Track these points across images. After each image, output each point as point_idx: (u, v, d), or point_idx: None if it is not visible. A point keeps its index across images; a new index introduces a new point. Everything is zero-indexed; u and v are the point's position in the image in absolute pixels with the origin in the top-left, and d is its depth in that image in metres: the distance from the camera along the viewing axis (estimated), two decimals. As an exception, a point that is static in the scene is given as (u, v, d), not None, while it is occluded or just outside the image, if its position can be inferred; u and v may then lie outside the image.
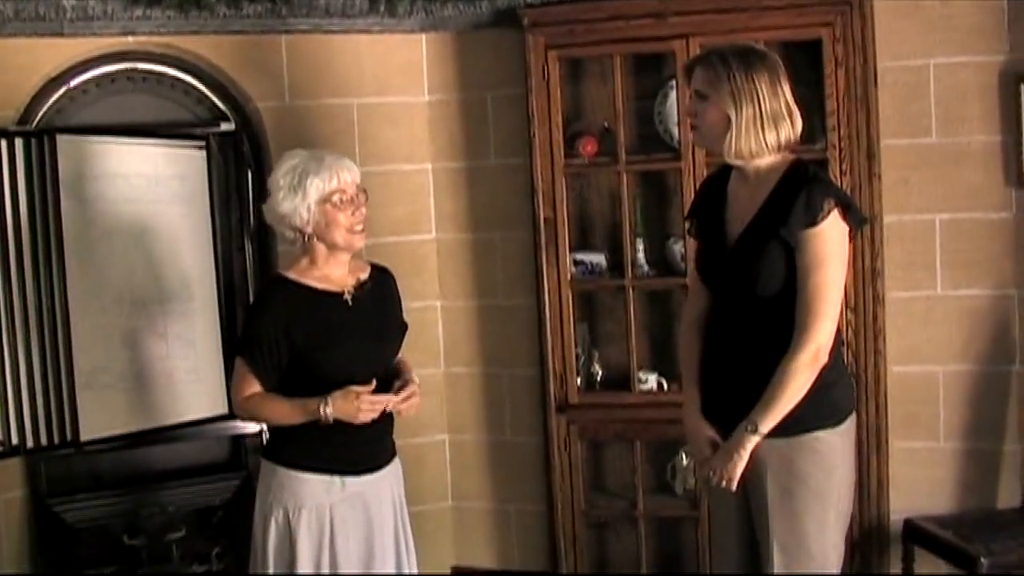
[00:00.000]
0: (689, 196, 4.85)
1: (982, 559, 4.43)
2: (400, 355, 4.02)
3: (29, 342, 4.63)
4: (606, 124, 5.18)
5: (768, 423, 3.40)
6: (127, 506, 4.99)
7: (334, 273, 3.84)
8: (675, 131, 4.99)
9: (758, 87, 3.41)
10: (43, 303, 4.64)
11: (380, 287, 3.97)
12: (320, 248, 3.80)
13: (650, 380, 5.15)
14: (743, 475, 3.49)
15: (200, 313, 5.02)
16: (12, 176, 4.58)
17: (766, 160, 3.49)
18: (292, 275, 3.82)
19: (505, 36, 5.25)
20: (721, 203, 3.62)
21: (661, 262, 5.22)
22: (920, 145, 4.96)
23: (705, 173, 4.84)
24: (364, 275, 3.92)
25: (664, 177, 5.22)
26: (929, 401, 5.02)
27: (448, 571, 5.70)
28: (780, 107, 3.45)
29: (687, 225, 3.92)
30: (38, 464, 4.93)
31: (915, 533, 4.78)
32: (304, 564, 3.75)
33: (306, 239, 3.78)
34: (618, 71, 4.99)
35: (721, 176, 3.69)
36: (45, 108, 4.95)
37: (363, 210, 3.81)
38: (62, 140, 4.65)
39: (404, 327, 4.02)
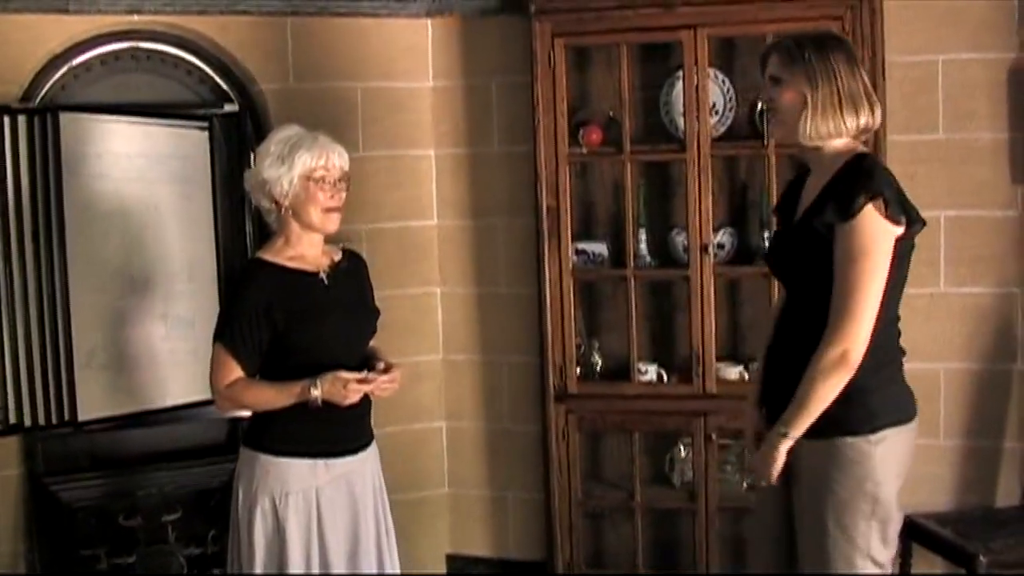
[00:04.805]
0: (693, 187, 4.89)
1: (980, 557, 4.42)
2: (373, 342, 4.02)
3: (28, 320, 4.62)
4: (611, 113, 5.16)
5: (797, 426, 3.32)
6: (123, 487, 4.97)
7: (308, 253, 3.82)
8: (680, 122, 4.96)
9: (834, 66, 3.33)
10: (43, 281, 4.63)
11: (354, 269, 3.97)
12: (294, 226, 3.79)
13: (650, 371, 5.14)
14: (788, 470, 3.41)
15: (200, 295, 5.00)
16: (14, 153, 4.58)
17: (836, 147, 3.40)
18: (267, 257, 3.81)
19: (511, 22, 5.23)
20: (797, 198, 3.53)
21: (663, 253, 5.20)
22: (927, 141, 4.95)
23: (710, 165, 4.86)
24: (337, 257, 3.92)
25: (668, 168, 5.21)
26: (930, 398, 5.00)
27: (443, 558, 5.69)
28: (858, 88, 3.36)
29: (775, 222, 3.85)
30: (35, 443, 4.91)
31: (914, 530, 4.76)
32: (294, 549, 3.74)
33: (281, 212, 3.77)
34: (624, 60, 4.96)
35: (804, 174, 3.58)
36: (48, 85, 4.93)
37: (342, 195, 3.80)
38: (65, 118, 4.64)
39: (377, 312, 4.01)
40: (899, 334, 3.46)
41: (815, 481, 3.38)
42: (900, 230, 3.28)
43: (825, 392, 3.28)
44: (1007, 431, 5.01)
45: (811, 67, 3.34)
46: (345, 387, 3.67)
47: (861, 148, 3.45)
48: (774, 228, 3.80)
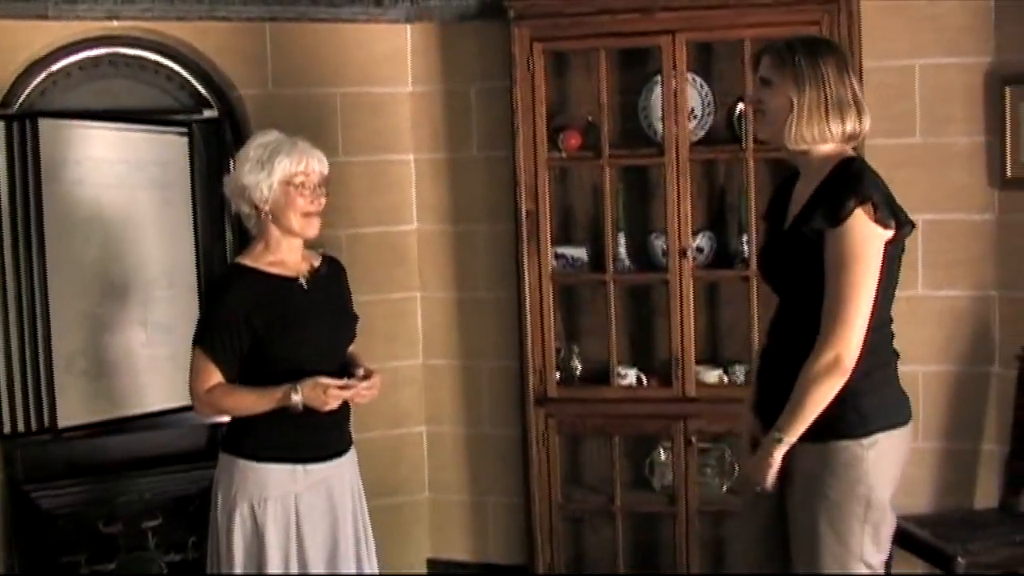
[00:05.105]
0: (672, 191, 4.90)
1: (959, 559, 4.44)
2: (351, 348, 4.03)
3: (8, 327, 4.62)
4: (590, 118, 5.17)
5: (791, 431, 3.31)
6: (103, 493, 4.96)
7: (288, 258, 3.83)
8: (659, 126, 4.99)
9: (823, 71, 3.31)
10: (23, 287, 4.62)
11: (333, 274, 3.97)
12: (274, 231, 3.79)
13: (629, 375, 5.15)
14: (782, 473, 3.40)
15: (180, 301, 4.99)
16: (-7, 159, 4.57)
17: (824, 151, 3.38)
18: (247, 262, 3.81)
19: (490, 28, 5.24)
20: (787, 203, 3.52)
21: (642, 257, 5.22)
22: (904, 145, 4.98)
23: (689, 169, 4.88)
24: (317, 262, 3.92)
25: (647, 172, 5.23)
26: (909, 400, 5.02)
27: (424, 563, 5.70)
28: (847, 95, 3.33)
29: (764, 227, 3.85)
30: (15, 450, 4.89)
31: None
32: (273, 555, 3.73)
33: (261, 216, 3.78)
34: (603, 65, 4.98)
35: (793, 178, 3.57)
36: (28, 91, 4.92)
37: (322, 200, 3.80)
38: (44, 124, 4.63)
39: (356, 318, 4.03)
40: (892, 336, 3.45)
41: (808, 484, 3.37)
42: (890, 234, 3.28)
43: (819, 397, 3.27)
44: (985, 433, 5.04)
45: (800, 71, 3.33)
46: (325, 393, 3.67)
47: (849, 152, 3.43)
48: (763, 233, 3.79)
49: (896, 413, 3.42)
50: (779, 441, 3.34)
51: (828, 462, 3.33)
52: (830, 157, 3.38)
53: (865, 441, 3.31)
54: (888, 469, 3.37)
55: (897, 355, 3.48)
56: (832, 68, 3.34)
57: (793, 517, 3.45)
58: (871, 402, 3.34)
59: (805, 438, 3.33)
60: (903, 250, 3.39)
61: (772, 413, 3.41)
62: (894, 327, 3.45)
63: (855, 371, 3.27)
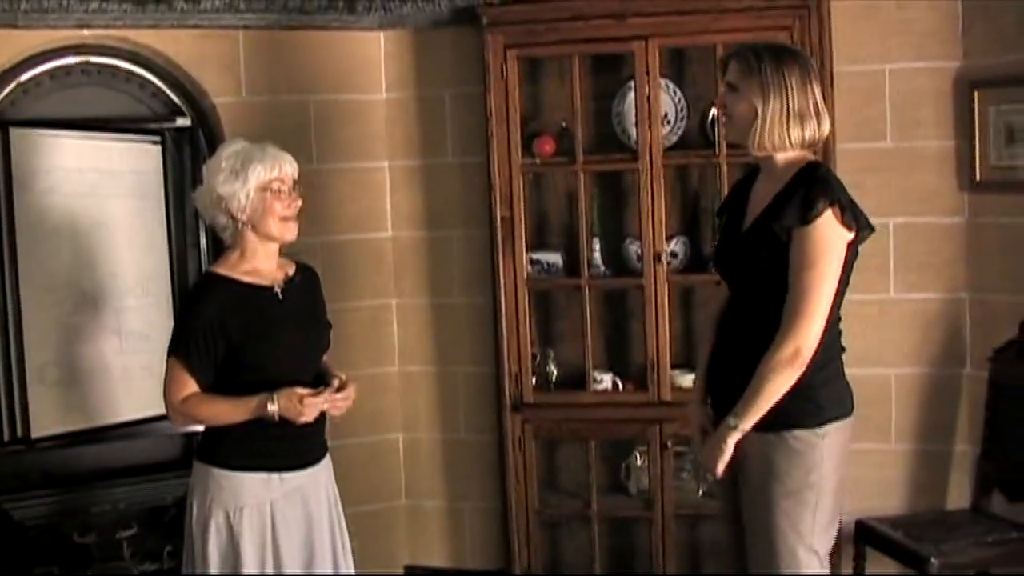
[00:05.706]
0: (646, 197, 4.92)
1: (932, 559, 4.46)
2: (325, 357, 4.02)
3: (-21, 337, 4.60)
4: (564, 124, 5.18)
5: (747, 420, 3.41)
6: (77, 503, 4.93)
7: (263, 267, 3.82)
8: (633, 132, 5.00)
9: (787, 81, 3.41)
10: (-6, 297, 4.61)
11: (307, 283, 3.96)
12: (250, 238, 3.78)
13: (605, 380, 5.16)
14: (735, 464, 3.49)
15: (154, 309, 4.98)
16: (-36, 169, 4.55)
17: (787, 156, 3.48)
18: (222, 271, 3.79)
19: (464, 34, 5.25)
20: (745, 200, 3.62)
21: (617, 262, 5.24)
22: (875, 149, 5.01)
23: (663, 174, 4.90)
24: (291, 271, 3.91)
25: (621, 178, 5.24)
26: (881, 403, 5.06)
27: (401, 569, 5.70)
28: (808, 104, 3.43)
29: (717, 223, 3.93)
30: (-13, 460, 4.88)
31: (866, 534, 4.81)
32: (249, 563, 3.72)
33: (239, 226, 3.76)
34: (577, 71, 4.99)
35: (751, 176, 3.69)
36: (-2, 100, 4.91)
37: (298, 203, 3.80)
38: (15, 133, 4.61)
39: (329, 326, 4.02)
40: (840, 333, 3.57)
41: (764, 473, 3.47)
42: (851, 236, 3.40)
43: (776, 387, 3.38)
44: (957, 435, 5.07)
45: (765, 79, 3.42)
46: (301, 403, 3.66)
47: (811, 157, 3.53)
48: (719, 229, 3.86)
49: (844, 404, 3.56)
50: (734, 428, 3.44)
51: (784, 450, 3.44)
52: (793, 161, 3.49)
53: (820, 431, 3.44)
54: (837, 457, 3.49)
55: (843, 349, 3.60)
56: (796, 78, 3.44)
57: (747, 505, 3.54)
58: (824, 394, 3.47)
59: (762, 428, 3.43)
60: (857, 254, 3.49)
61: (725, 405, 3.51)
62: (864, 329, 3.52)
63: (811, 364, 3.38)
